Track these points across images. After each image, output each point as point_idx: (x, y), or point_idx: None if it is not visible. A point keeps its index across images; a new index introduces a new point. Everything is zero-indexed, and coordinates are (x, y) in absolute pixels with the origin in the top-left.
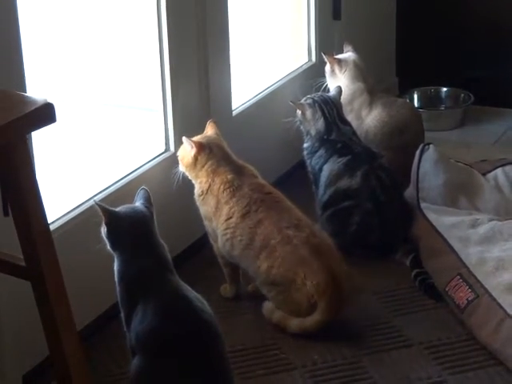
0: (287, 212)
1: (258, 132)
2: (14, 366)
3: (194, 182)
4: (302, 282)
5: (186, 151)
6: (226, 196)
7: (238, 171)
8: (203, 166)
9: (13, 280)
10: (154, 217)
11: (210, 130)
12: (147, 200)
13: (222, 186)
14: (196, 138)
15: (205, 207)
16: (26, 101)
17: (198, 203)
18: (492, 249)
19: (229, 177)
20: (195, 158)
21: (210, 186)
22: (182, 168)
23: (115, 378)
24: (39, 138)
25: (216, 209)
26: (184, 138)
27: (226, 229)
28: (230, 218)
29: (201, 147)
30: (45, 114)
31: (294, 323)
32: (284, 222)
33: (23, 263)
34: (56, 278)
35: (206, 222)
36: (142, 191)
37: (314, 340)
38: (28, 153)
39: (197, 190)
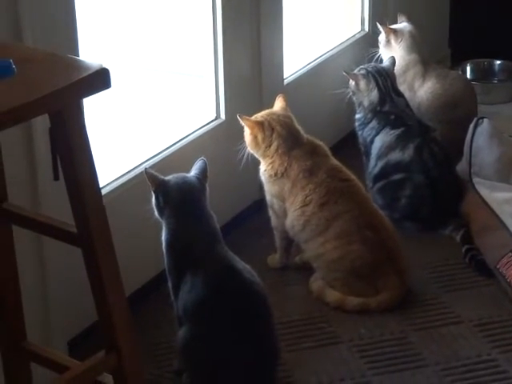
0: (364, 206)
1: (310, 101)
2: (60, 332)
3: (260, 159)
4: (374, 278)
5: (246, 129)
6: (303, 182)
7: (313, 152)
8: (269, 146)
9: (60, 245)
10: (207, 188)
11: (277, 105)
12: (202, 171)
13: (301, 174)
14: (258, 115)
15: (276, 187)
16: (81, 66)
17: (265, 180)
18: None
19: (308, 163)
20: (254, 137)
21: (286, 169)
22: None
23: (162, 346)
24: (91, 103)
25: (290, 192)
26: (238, 116)
27: (301, 215)
28: (307, 205)
29: (257, 126)
30: (100, 80)
31: (354, 302)
32: (362, 220)
33: (74, 229)
34: (106, 245)
35: (273, 199)
36: (199, 162)
37: (361, 314)
38: (82, 118)
39: (267, 170)
